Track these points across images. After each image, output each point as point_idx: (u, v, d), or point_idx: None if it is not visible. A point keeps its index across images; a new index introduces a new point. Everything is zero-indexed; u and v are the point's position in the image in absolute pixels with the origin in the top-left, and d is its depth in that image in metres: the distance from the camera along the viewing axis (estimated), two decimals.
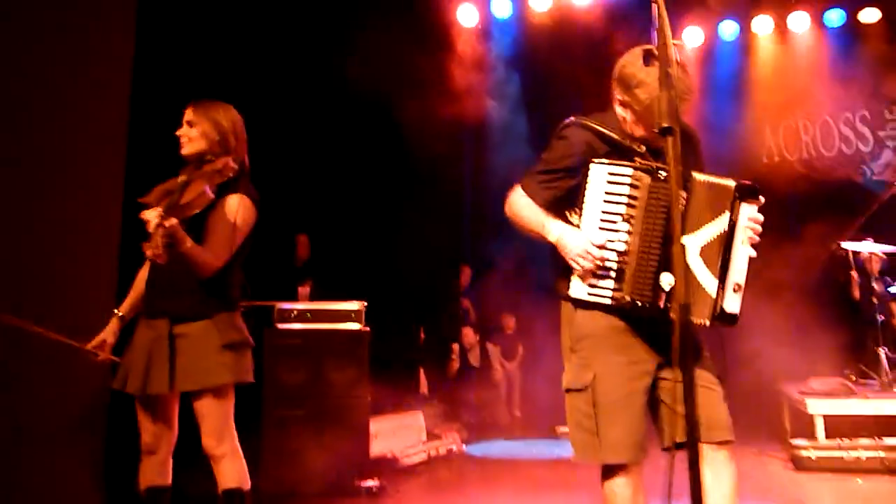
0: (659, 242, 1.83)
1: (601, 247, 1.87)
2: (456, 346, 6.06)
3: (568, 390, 1.94)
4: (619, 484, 1.89)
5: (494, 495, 3.88)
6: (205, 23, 4.31)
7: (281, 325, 3.90)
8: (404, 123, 5.09)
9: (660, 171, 1.84)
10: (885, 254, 5.09)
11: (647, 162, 1.88)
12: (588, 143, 1.95)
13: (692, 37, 6.41)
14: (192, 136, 2.30)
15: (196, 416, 2.25)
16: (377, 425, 4.12)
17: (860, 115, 6.46)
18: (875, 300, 4.99)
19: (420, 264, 5.42)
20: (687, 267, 1.80)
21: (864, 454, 4.13)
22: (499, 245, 5.42)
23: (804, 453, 4.21)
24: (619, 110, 1.96)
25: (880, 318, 4.94)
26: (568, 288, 1.94)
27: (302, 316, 3.88)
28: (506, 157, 5.67)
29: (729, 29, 6.50)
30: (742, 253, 1.84)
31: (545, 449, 5.13)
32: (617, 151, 1.93)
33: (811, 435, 4.34)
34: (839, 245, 4.98)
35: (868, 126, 6.46)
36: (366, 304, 3.90)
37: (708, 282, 1.82)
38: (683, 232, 1.79)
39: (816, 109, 6.50)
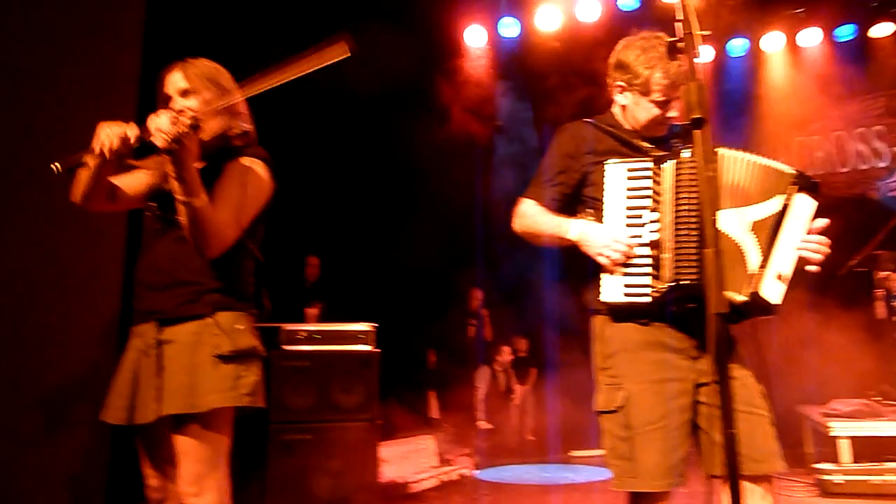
0: (696, 220, 1.72)
1: (630, 246, 1.79)
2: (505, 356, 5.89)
3: (599, 413, 1.82)
4: None
5: None
6: (212, 40, 4.40)
7: (287, 347, 3.85)
8: (414, 145, 5.08)
9: (682, 153, 1.79)
10: None
11: (659, 151, 1.84)
12: (586, 138, 1.91)
13: (702, 54, 6.40)
14: (194, 108, 1.80)
15: (175, 452, 1.71)
16: (387, 450, 4.06)
17: (876, 131, 6.41)
18: None
19: (430, 287, 5.42)
20: (723, 236, 1.68)
21: (891, 478, 4.00)
22: (509, 267, 5.39)
23: (830, 478, 4.08)
24: (619, 99, 1.93)
25: None
26: (598, 296, 1.82)
27: (310, 337, 3.85)
28: (516, 178, 5.70)
29: (738, 46, 6.50)
30: (790, 242, 1.75)
31: (558, 474, 5.04)
32: (621, 145, 1.90)
33: (835, 458, 4.22)
34: (857, 263, 4.90)
35: (884, 141, 6.40)
36: (376, 326, 3.88)
37: (751, 257, 1.73)
38: (728, 205, 1.72)
39: (829, 125, 6.45)
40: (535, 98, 6.27)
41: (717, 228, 1.39)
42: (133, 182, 1.92)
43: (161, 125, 1.59)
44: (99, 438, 2.74)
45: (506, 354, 6.25)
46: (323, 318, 4.84)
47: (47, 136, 2.75)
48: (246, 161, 1.82)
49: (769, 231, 1.75)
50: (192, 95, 1.80)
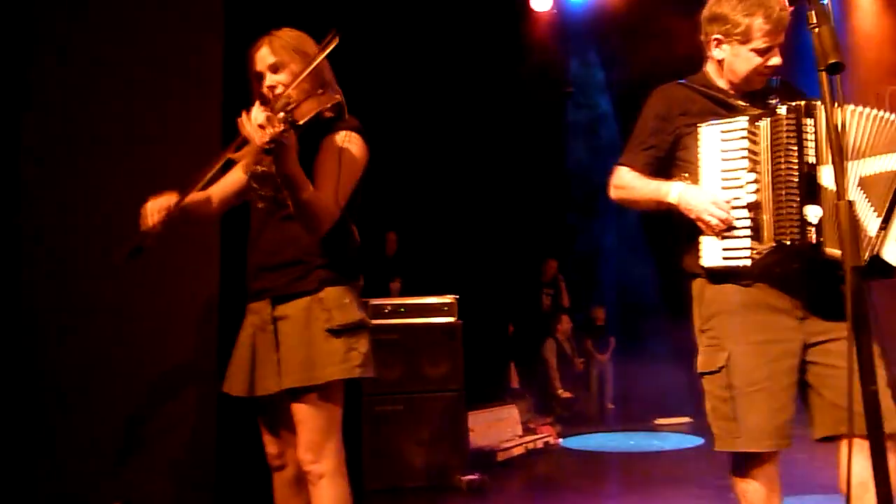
0: (796, 177, 1.67)
1: (730, 208, 1.73)
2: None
3: (702, 374, 1.79)
4: (752, 480, 1.73)
5: (600, 489, 3.82)
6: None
7: (375, 321, 3.91)
8: (487, 115, 5.01)
9: (778, 109, 1.72)
10: None
11: (755, 109, 1.78)
12: (678, 99, 1.86)
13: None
14: (287, 83, 1.76)
15: (294, 421, 1.79)
16: (473, 419, 4.12)
17: None
18: None
19: (507, 257, 5.34)
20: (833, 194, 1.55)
21: None
22: (587, 235, 5.28)
23: None
24: (716, 54, 1.87)
25: None
26: (699, 259, 1.78)
27: (396, 311, 3.93)
28: (591, 145, 5.58)
29: None
30: None
31: (643, 442, 5.02)
32: (715, 105, 1.84)
33: None
34: None
35: None
36: (458, 297, 3.92)
37: (867, 217, 1.65)
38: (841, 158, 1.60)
39: None
40: (606, 61, 6.07)
41: (840, 182, 1.34)
42: (233, 179, 1.99)
43: (258, 123, 1.59)
44: (206, 420, 2.81)
45: (565, 323, 6.20)
46: (403, 293, 4.92)
47: (141, 126, 2.84)
48: (341, 136, 1.81)
49: (891, 188, 1.66)
50: (281, 69, 1.80)
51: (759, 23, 1.79)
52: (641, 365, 5.43)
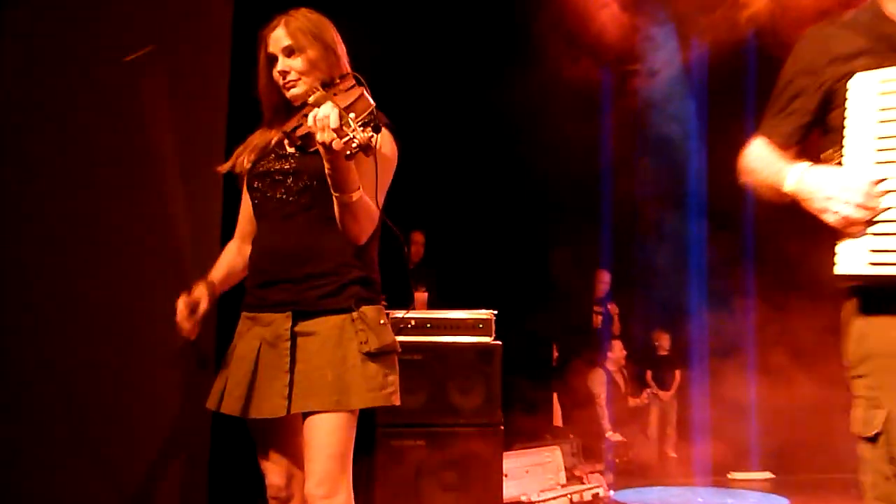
0: None
1: (876, 195, 1.36)
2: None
3: (858, 436, 1.46)
4: None
5: None
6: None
7: (398, 338, 3.58)
8: (533, 105, 4.68)
9: None
10: None
11: None
12: (829, 41, 1.54)
13: None
14: (302, 69, 1.76)
15: (307, 448, 1.72)
16: (507, 462, 3.75)
17: None
18: None
19: (552, 268, 5.00)
20: None
21: None
22: (650, 246, 4.98)
23: None
24: None
25: None
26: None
27: (421, 326, 3.58)
28: (658, 135, 5.11)
29: None
30: None
31: (717, 500, 4.64)
32: (879, 43, 1.48)
33: None
34: None
35: None
36: (495, 313, 3.58)
37: None
38: None
39: None
40: (681, 27, 5.28)
41: None
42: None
43: (326, 122, 1.52)
44: (200, 436, 2.92)
45: (618, 350, 5.84)
46: (430, 305, 4.54)
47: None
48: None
49: None
50: (297, 54, 1.79)
51: None
52: (713, 406, 5.05)
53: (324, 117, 1.51)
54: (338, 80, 1.73)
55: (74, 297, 2.74)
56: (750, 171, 1.59)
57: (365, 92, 1.61)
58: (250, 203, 1.89)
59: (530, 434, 4.43)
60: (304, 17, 1.80)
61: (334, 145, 1.50)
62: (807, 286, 3.25)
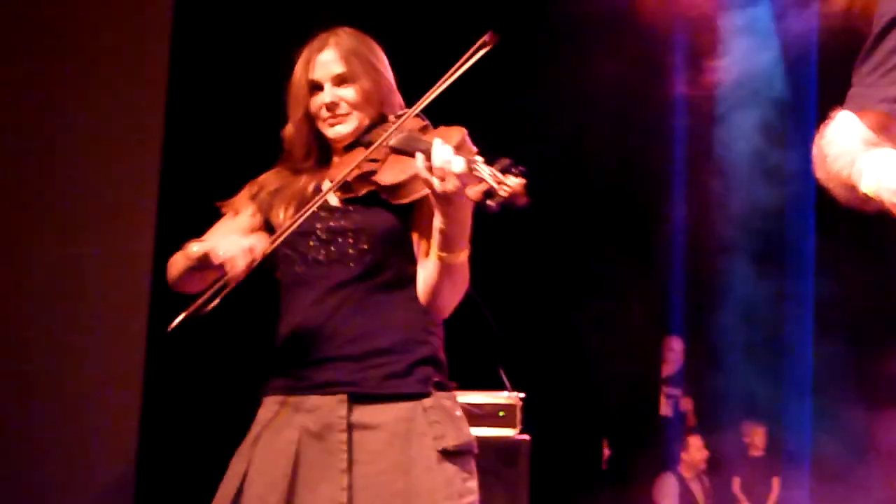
0: None
1: None
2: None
3: None
4: None
5: None
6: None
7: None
8: (586, 147, 4.42)
9: None
10: None
11: None
12: None
13: None
14: (354, 101, 1.64)
15: None
16: None
17: None
18: None
19: (603, 341, 4.40)
20: None
21: None
22: (731, 313, 4.42)
23: None
24: None
25: None
26: None
27: None
28: (738, 175, 4.66)
29: None
30: None
31: None
32: None
33: None
34: None
35: None
36: (523, 396, 3.21)
37: None
38: None
39: None
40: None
41: None
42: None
43: (449, 167, 1.42)
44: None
45: (695, 451, 5.15)
46: None
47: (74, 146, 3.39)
48: None
49: None
50: (350, 82, 1.66)
51: None
52: None
53: (445, 162, 1.42)
54: (391, 118, 1.64)
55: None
56: (829, 159, 1.39)
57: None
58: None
59: None
60: (354, 39, 1.69)
61: (471, 195, 1.44)
62: None
